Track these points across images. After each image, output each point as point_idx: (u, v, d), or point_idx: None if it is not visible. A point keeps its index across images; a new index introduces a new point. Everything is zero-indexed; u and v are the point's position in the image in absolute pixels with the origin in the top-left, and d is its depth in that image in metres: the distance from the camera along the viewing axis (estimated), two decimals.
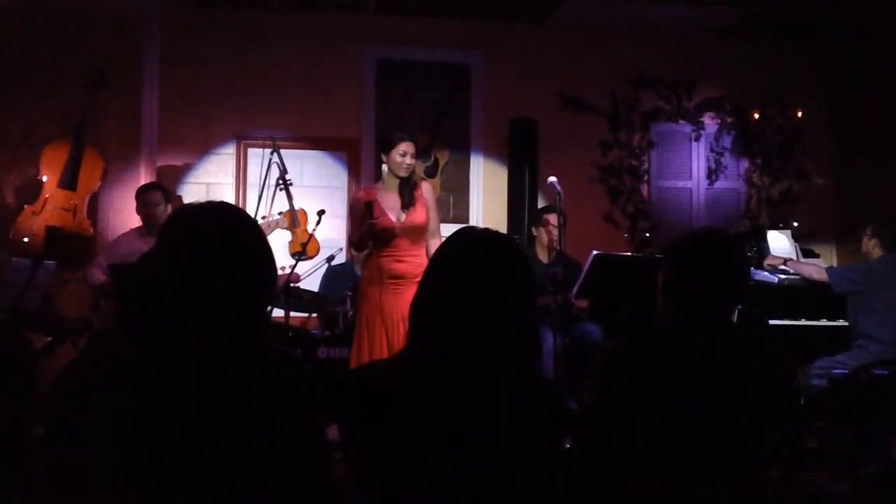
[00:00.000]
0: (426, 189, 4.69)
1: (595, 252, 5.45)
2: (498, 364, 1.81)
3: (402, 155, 4.55)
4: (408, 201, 4.58)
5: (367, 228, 4.47)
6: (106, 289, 5.64)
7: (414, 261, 4.49)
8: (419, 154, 4.66)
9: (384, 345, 4.41)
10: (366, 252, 4.73)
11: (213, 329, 1.71)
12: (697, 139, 7.81)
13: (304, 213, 5.90)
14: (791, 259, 5.88)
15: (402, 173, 4.58)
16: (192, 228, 1.78)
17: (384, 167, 4.64)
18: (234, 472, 1.66)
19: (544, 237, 5.95)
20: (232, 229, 1.78)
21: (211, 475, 1.65)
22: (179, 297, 1.71)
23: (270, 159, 5.85)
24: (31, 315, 4.88)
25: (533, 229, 6.17)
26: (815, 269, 5.77)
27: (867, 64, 7.59)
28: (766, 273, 6.01)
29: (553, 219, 5.83)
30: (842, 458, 4.89)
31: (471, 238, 1.94)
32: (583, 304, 5.78)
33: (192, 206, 1.83)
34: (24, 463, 2.14)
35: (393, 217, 4.57)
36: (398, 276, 4.48)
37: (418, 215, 4.58)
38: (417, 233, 4.58)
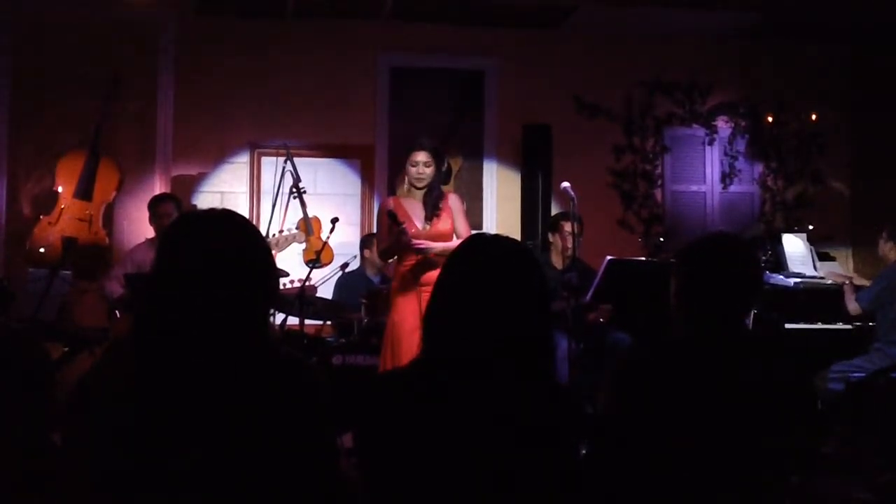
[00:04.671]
0: (453, 199, 4.69)
1: (609, 257, 5.44)
2: (512, 370, 1.81)
3: (414, 165, 4.55)
4: (431, 209, 4.58)
5: (395, 236, 4.44)
6: (124, 300, 5.68)
7: (438, 268, 4.46)
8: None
9: (410, 352, 4.40)
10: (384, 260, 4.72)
11: (221, 336, 1.71)
12: (711, 143, 7.79)
13: (317, 220, 5.91)
14: (847, 285, 5.81)
15: (417, 184, 4.58)
16: (189, 235, 1.79)
17: (407, 177, 4.64)
18: (248, 477, 1.66)
19: (559, 243, 5.93)
20: (230, 235, 1.79)
21: (225, 481, 1.65)
22: (181, 304, 1.71)
23: (284, 167, 5.87)
24: (48, 325, 4.91)
25: (549, 235, 6.17)
26: (853, 304, 5.68)
27: (885, 65, 7.55)
28: (781, 277, 5.99)
29: (567, 225, 5.81)
30: (861, 464, 4.86)
31: (483, 244, 1.94)
32: (604, 312, 5.75)
33: (191, 213, 1.85)
34: (41, 472, 2.15)
35: (418, 225, 4.58)
36: (422, 284, 4.43)
37: (443, 223, 4.59)
38: (442, 240, 4.56)
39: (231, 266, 1.74)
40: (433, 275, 4.43)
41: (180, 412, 1.66)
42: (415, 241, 4.43)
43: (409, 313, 4.48)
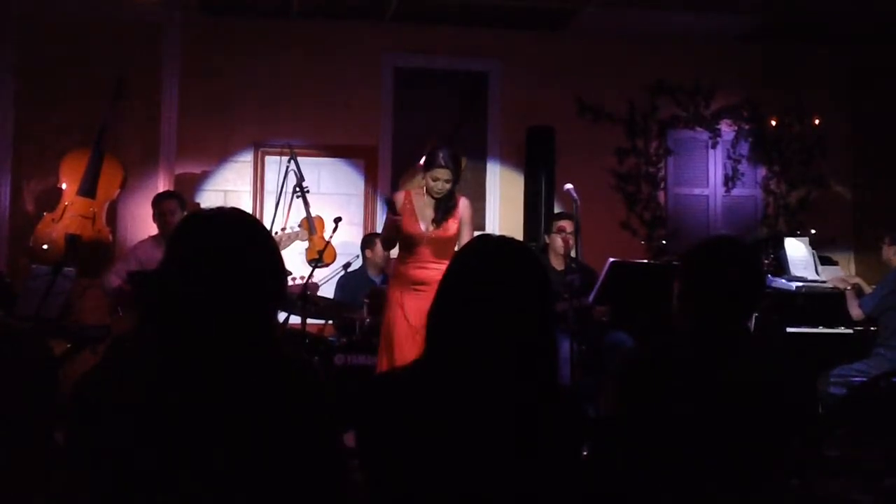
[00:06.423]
0: (464, 206, 4.75)
1: (612, 259, 5.44)
2: (514, 371, 1.81)
3: (436, 180, 4.61)
4: (441, 215, 4.64)
5: (392, 225, 4.64)
6: (122, 294, 5.69)
7: (436, 268, 4.52)
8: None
9: (405, 350, 4.44)
10: (382, 257, 4.77)
11: (227, 335, 1.71)
12: (714, 146, 7.79)
13: (320, 220, 5.92)
14: (850, 290, 5.82)
15: (436, 196, 4.66)
16: (197, 233, 1.79)
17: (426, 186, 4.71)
18: (252, 477, 1.67)
19: (558, 244, 5.92)
20: (238, 234, 1.79)
21: (228, 480, 1.66)
22: (189, 302, 1.72)
23: (288, 167, 5.88)
24: (51, 322, 4.91)
25: (545, 237, 6.17)
26: (857, 310, 5.68)
27: (889, 67, 7.54)
28: (783, 280, 5.99)
29: (566, 225, 5.82)
30: (862, 467, 4.86)
31: (487, 245, 1.95)
32: (602, 310, 5.75)
33: (199, 211, 1.85)
34: (44, 470, 2.16)
35: (423, 226, 4.63)
36: (421, 282, 4.53)
37: (449, 228, 4.65)
38: (444, 245, 4.63)
39: (240, 265, 1.75)
40: (422, 274, 4.53)
41: (184, 411, 1.66)
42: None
43: (401, 311, 4.56)
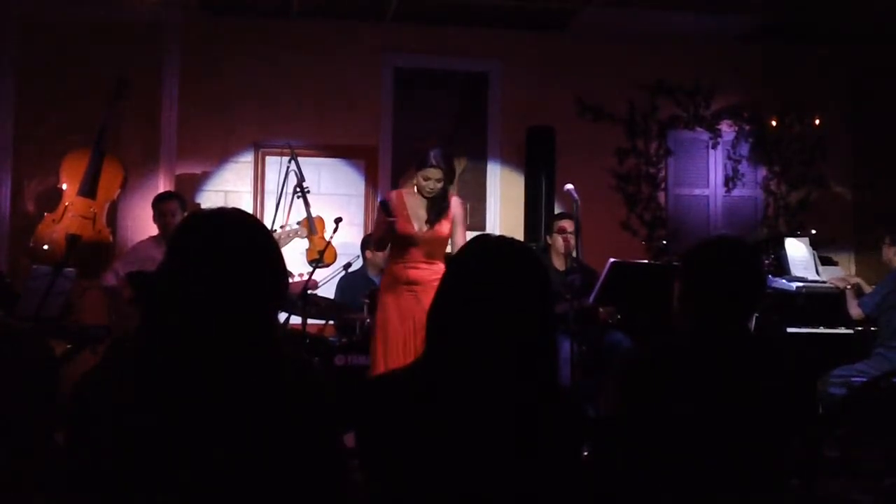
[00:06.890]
0: (456, 205, 4.73)
1: (612, 259, 5.44)
2: (514, 371, 1.81)
3: (427, 180, 4.60)
4: (434, 215, 4.62)
5: (385, 227, 4.57)
6: (117, 293, 5.71)
7: (429, 268, 4.52)
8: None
9: (399, 350, 4.43)
10: (382, 257, 4.77)
11: (229, 335, 1.72)
12: (715, 147, 7.79)
13: (321, 220, 5.90)
14: (850, 289, 5.82)
15: (427, 196, 4.64)
16: (198, 234, 1.79)
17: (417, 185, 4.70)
18: (252, 478, 1.67)
19: (559, 244, 5.93)
20: (239, 234, 1.79)
21: (228, 481, 1.66)
22: (189, 302, 1.72)
23: (288, 167, 5.87)
24: (51, 322, 4.92)
25: (547, 237, 6.18)
26: (856, 309, 5.69)
27: (889, 67, 7.54)
28: (783, 281, 5.99)
29: (567, 225, 5.82)
30: (862, 468, 4.86)
31: (487, 246, 1.95)
32: (608, 311, 5.75)
33: (200, 212, 1.85)
34: (44, 470, 2.16)
35: (416, 225, 4.61)
36: (412, 283, 4.52)
37: (442, 228, 4.62)
38: (436, 245, 4.62)
39: (240, 265, 1.75)
40: (413, 274, 4.53)
41: (184, 411, 1.66)
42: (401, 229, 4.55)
43: (394, 311, 4.54)
